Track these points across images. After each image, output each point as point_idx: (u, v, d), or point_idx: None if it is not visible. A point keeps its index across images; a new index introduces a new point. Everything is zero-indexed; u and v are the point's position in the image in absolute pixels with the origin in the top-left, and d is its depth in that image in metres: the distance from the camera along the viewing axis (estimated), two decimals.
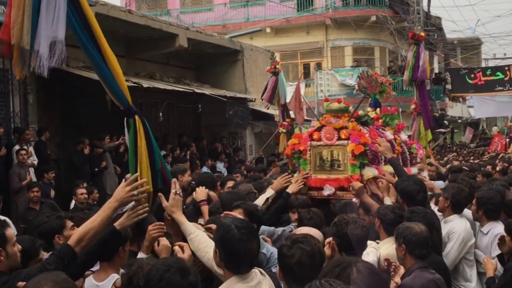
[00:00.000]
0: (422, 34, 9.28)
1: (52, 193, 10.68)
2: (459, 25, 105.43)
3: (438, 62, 36.65)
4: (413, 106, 9.68)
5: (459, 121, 37.48)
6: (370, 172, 5.93)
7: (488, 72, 26.90)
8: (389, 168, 6.15)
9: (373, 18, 27.87)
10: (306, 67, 29.54)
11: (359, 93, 28.68)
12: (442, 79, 32.44)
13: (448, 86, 31.77)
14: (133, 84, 12.75)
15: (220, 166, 15.42)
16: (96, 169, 12.31)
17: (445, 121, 27.17)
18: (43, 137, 11.87)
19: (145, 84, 13.30)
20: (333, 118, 6.29)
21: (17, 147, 10.91)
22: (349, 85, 26.87)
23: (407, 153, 7.07)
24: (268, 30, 28.33)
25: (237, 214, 4.46)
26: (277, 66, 10.53)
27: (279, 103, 10.66)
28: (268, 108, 12.64)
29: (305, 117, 14.11)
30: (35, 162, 11.18)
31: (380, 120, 7.33)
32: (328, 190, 6.02)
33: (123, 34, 14.24)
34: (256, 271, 3.33)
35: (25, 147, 10.93)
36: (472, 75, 26.74)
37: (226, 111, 15.55)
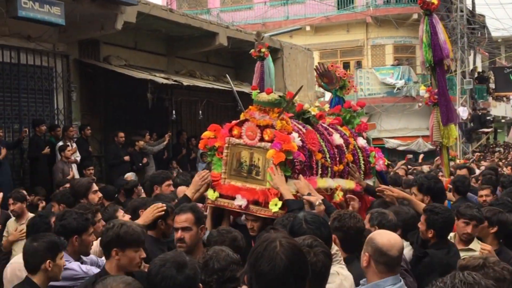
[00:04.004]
0: (434, 1, 7.09)
1: None
2: (504, 23, 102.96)
3: (481, 60, 35.94)
4: (427, 95, 7.77)
5: (503, 120, 36.68)
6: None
7: None
8: (325, 183, 5.21)
9: (415, 16, 27.47)
10: (346, 65, 29.33)
11: (400, 92, 28.27)
12: (486, 78, 31.82)
13: (492, 85, 31.17)
14: (173, 82, 12.91)
15: None
16: (140, 164, 12.48)
17: (488, 118, 26.63)
18: (83, 134, 12.09)
19: (186, 82, 13.42)
20: (258, 112, 5.00)
21: (60, 143, 11.16)
22: (389, 84, 26.63)
23: (362, 162, 5.85)
24: (308, 28, 28.23)
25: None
26: (262, 50, 8.79)
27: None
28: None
29: None
30: (78, 159, 11.41)
31: (331, 118, 6.11)
32: (239, 201, 4.87)
33: (164, 33, 14.41)
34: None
35: (69, 144, 11.19)
36: None
37: None
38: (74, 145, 11.45)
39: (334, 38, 28.71)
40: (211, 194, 5.03)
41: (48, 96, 11.96)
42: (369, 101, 27.03)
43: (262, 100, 4.98)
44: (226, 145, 5.02)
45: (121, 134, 12.43)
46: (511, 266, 3.16)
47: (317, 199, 4.53)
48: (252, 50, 8.93)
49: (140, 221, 4.78)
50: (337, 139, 5.52)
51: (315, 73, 7.14)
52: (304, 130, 5.19)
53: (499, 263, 3.10)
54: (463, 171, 8.86)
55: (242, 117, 5.08)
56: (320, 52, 28.64)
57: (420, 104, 25.66)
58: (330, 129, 5.74)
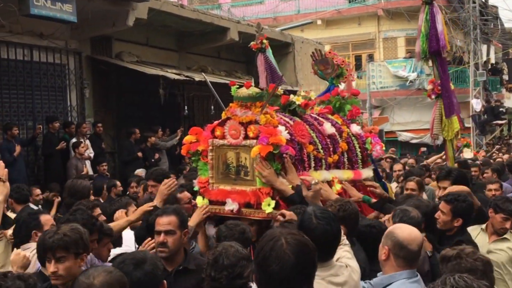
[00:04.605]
0: None
1: None
2: None
3: (494, 52, 35.66)
4: (430, 87, 7.61)
5: None
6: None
7: None
8: (320, 176, 4.88)
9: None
10: (358, 59, 29.22)
11: (413, 85, 27.98)
12: (499, 69, 31.57)
13: (505, 77, 30.91)
14: (185, 78, 12.94)
15: None
16: (153, 160, 12.54)
17: (502, 109, 26.40)
18: (96, 130, 12.19)
19: (197, 78, 13.44)
20: (239, 109, 4.68)
21: (74, 140, 11.24)
22: (402, 77, 26.48)
23: (358, 150, 5.48)
24: (319, 22, 28.11)
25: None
26: (264, 41, 8.43)
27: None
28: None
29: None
30: (91, 155, 11.48)
31: (318, 108, 5.69)
32: (230, 205, 4.60)
33: (175, 29, 14.44)
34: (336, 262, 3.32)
35: (82, 140, 11.27)
36: None
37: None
38: (88, 141, 11.53)
39: (346, 31, 28.57)
40: (200, 202, 4.78)
41: (61, 93, 12.05)
42: (381, 94, 26.99)
43: (242, 95, 4.69)
44: (210, 147, 4.74)
45: (138, 131, 12.52)
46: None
47: (313, 178, 4.41)
48: (252, 43, 8.56)
49: (131, 217, 4.98)
50: (328, 128, 5.19)
51: (311, 60, 6.73)
52: (291, 123, 4.88)
53: (473, 254, 3.13)
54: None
55: (223, 116, 4.78)
56: (332, 45, 28.45)
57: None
58: (320, 118, 5.39)
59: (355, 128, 5.59)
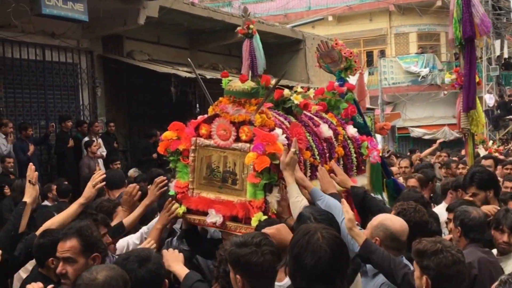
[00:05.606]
0: None
1: None
2: None
3: (507, 46, 35.37)
4: (453, 76, 7.05)
5: None
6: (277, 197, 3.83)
7: None
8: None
9: (439, 2, 27.11)
10: (369, 55, 29.09)
11: (425, 80, 27.60)
12: None
13: None
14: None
15: None
16: (164, 158, 12.52)
17: None
18: (109, 129, 12.23)
19: (209, 75, 13.44)
20: (231, 105, 3.97)
21: (86, 138, 11.30)
22: (414, 72, 26.34)
23: (353, 155, 4.79)
24: (330, 18, 28.03)
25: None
26: (251, 26, 7.87)
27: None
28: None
29: (368, 106, 13.73)
30: (104, 154, 11.53)
31: (314, 104, 4.96)
32: (213, 217, 3.94)
33: (186, 27, 14.45)
34: None
35: (94, 139, 11.32)
36: None
37: None
38: (100, 140, 11.59)
39: (357, 27, 28.46)
40: (179, 208, 4.11)
41: (73, 92, 12.11)
42: (393, 90, 26.87)
43: (236, 89, 3.97)
44: (193, 147, 4.08)
45: (159, 133, 12.56)
46: None
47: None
48: (239, 28, 8.05)
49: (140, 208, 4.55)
50: (325, 131, 4.49)
51: (316, 53, 6.04)
52: (287, 123, 4.23)
53: (453, 247, 3.13)
54: (489, 162, 7.87)
55: (210, 111, 4.09)
56: (343, 41, 28.35)
57: (445, 92, 25.42)
58: (316, 118, 4.70)
59: (351, 130, 4.94)
